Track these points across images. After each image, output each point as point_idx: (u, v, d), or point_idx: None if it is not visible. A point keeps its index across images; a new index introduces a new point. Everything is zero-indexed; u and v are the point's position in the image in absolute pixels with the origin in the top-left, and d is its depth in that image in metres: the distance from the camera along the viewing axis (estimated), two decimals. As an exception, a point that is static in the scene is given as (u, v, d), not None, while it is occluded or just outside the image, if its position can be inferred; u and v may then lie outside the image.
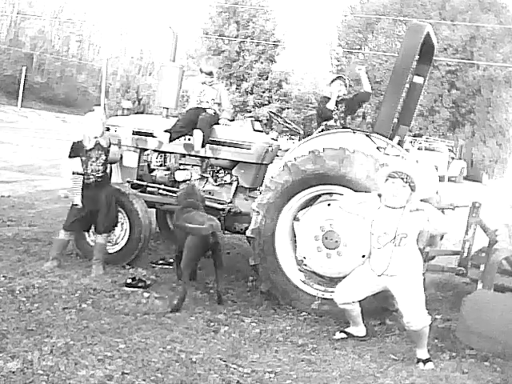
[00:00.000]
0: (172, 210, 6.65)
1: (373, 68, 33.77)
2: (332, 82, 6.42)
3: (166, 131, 6.36)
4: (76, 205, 5.61)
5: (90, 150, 5.67)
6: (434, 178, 4.46)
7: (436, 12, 34.26)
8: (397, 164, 4.34)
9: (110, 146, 5.82)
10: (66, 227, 5.77)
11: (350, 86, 6.71)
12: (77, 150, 5.69)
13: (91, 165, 5.67)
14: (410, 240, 4.22)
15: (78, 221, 5.76)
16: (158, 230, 7.65)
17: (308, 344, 4.55)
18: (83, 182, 5.70)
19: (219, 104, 6.76)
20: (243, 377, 3.77)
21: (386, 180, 4.23)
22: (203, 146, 6.35)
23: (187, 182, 6.63)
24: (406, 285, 4.24)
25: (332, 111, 6.23)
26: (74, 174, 5.65)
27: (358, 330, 4.74)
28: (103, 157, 5.74)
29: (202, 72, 6.82)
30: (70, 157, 5.71)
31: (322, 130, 6.13)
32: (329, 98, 6.29)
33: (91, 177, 5.69)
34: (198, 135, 6.29)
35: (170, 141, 6.39)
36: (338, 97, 6.29)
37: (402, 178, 4.15)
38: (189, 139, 6.44)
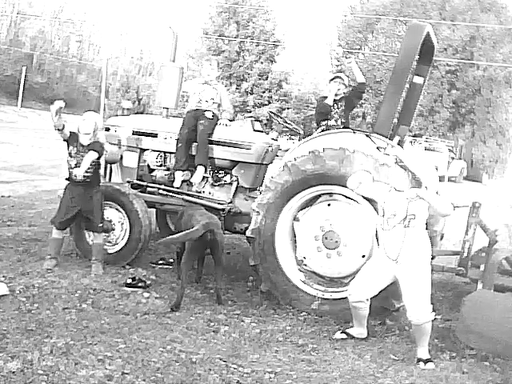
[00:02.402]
0: (172, 210, 6.67)
1: (373, 68, 33.78)
2: (331, 80, 6.41)
3: (175, 169, 6.47)
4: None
5: (84, 146, 5.66)
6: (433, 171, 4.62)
7: (436, 12, 34.24)
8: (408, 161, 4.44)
9: (102, 149, 5.81)
10: (57, 226, 5.76)
11: (350, 85, 6.71)
12: (72, 137, 5.70)
13: (81, 161, 5.63)
14: (418, 223, 4.26)
15: (68, 219, 5.75)
16: (158, 230, 7.65)
17: (308, 344, 4.55)
18: (72, 176, 5.68)
19: (219, 105, 6.76)
20: (243, 377, 3.77)
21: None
22: (205, 171, 6.44)
23: (187, 182, 6.63)
24: (414, 273, 4.26)
25: (330, 106, 6.19)
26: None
27: (360, 332, 4.74)
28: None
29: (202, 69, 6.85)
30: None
31: (323, 131, 6.13)
32: (327, 97, 6.28)
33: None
34: (200, 171, 6.39)
35: (183, 171, 6.49)
36: (337, 95, 6.24)
37: (401, 166, 4.29)
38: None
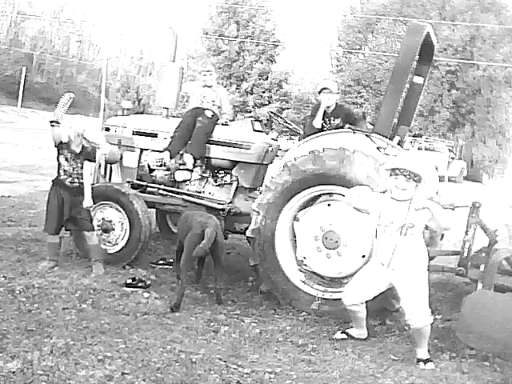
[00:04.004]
0: (172, 210, 6.66)
1: (373, 68, 33.79)
2: (319, 92, 6.13)
3: (165, 149, 6.42)
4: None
5: (78, 153, 5.65)
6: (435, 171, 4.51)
7: (436, 12, 34.26)
8: (399, 160, 4.30)
9: (86, 150, 5.75)
10: (50, 231, 5.71)
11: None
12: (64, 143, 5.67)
13: (76, 167, 5.64)
14: (416, 231, 4.23)
15: (59, 222, 5.69)
16: (158, 230, 7.65)
17: (308, 344, 4.55)
18: (65, 183, 5.65)
19: (219, 107, 6.75)
20: (243, 377, 3.77)
21: (390, 175, 4.24)
22: (196, 161, 6.40)
23: (186, 181, 6.63)
24: (411, 280, 4.24)
25: (318, 129, 6.03)
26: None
27: (360, 332, 4.72)
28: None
29: (200, 73, 6.84)
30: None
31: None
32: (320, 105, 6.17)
33: (76, 179, 5.66)
34: (188, 159, 6.36)
35: (171, 158, 6.43)
36: (328, 107, 6.07)
37: (405, 175, 4.14)
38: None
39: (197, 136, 6.38)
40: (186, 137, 6.44)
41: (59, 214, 5.66)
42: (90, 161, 5.74)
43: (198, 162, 6.56)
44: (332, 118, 6.13)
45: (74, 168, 5.66)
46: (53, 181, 5.77)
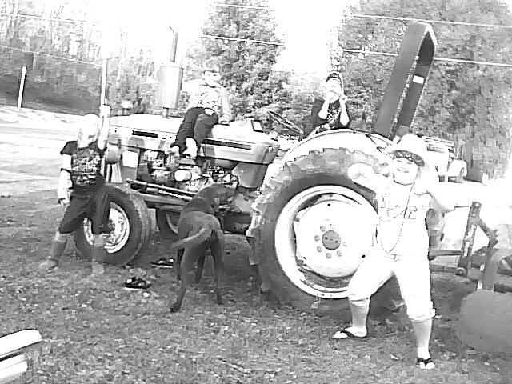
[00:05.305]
0: (172, 210, 6.66)
1: (373, 68, 33.82)
2: (327, 80, 6.45)
3: (174, 145, 6.41)
4: (62, 199, 5.68)
5: (84, 148, 5.69)
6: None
7: (436, 12, 34.30)
8: (402, 142, 4.33)
9: (105, 150, 5.85)
10: (61, 229, 5.76)
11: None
12: (70, 147, 5.74)
13: (84, 164, 5.67)
14: (418, 215, 4.23)
15: (73, 222, 5.77)
16: (158, 230, 7.65)
17: (308, 344, 4.55)
18: (76, 183, 5.71)
19: (219, 107, 6.75)
20: (243, 377, 3.77)
21: (393, 158, 4.27)
22: (198, 150, 6.39)
23: (186, 181, 6.63)
24: (412, 268, 4.24)
25: (323, 120, 6.25)
26: (62, 170, 5.72)
27: (360, 330, 4.72)
28: (97, 158, 5.75)
29: (204, 73, 6.83)
30: (61, 152, 5.78)
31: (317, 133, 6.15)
32: (323, 102, 6.29)
33: (84, 177, 5.69)
34: (190, 144, 6.33)
35: (181, 152, 6.42)
36: (331, 98, 6.28)
37: (407, 157, 4.17)
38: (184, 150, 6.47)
39: (198, 126, 6.37)
40: (190, 131, 6.43)
41: (74, 214, 5.73)
42: (100, 157, 5.81)
43: (199, 162, 6.57)
44: (334, 108, 6.33)
45: (80, 166, 5.68)
46: (70, 187, 5.86)
